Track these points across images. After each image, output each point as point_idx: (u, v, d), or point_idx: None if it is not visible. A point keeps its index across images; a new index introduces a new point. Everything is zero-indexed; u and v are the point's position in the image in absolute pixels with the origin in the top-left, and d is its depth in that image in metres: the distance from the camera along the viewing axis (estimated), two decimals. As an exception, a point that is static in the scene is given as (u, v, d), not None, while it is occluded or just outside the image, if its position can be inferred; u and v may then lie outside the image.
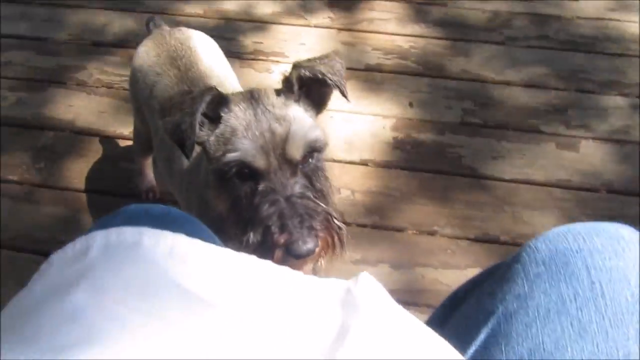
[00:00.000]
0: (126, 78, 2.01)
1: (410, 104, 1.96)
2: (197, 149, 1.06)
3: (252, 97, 0.85)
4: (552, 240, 0.59)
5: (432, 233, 1.62)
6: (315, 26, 2.26)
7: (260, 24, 2.26)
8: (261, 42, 2.18)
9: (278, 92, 0.87)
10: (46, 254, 1.54)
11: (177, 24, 2.20)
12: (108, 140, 1.85)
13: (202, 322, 0.42)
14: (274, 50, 2.15)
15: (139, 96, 1.27)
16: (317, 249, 0.79)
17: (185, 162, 1.08)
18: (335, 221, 0.83)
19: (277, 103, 0.85)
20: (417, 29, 2.25)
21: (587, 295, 0.52)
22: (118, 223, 0.56)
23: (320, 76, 0.84)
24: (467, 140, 1.85)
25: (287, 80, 0.87)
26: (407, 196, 1.70)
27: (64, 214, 1.65)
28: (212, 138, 0.85)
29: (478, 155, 1.81)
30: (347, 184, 1.72)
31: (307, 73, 0.85)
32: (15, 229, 1.62)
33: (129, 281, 0.43)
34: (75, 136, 1.86)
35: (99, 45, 2.17)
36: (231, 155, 0.81)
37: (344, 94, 0.86)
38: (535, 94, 2.01)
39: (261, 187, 0.81)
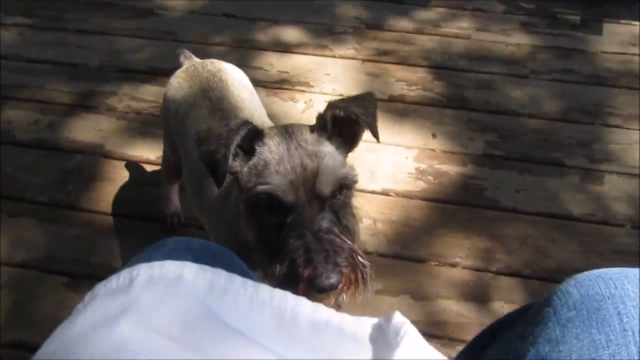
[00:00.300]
0: (155, 104, 2.07)
1: (433, 135, 1.97)
2: (227, 178, 1.09)
3: (287, 132, 0.88)
4: (584, 284, 0.59)
5: (454, 265, 1.61)
6: (340, 57, 2.30)
7: (286, 53, 2.31)
8: (287, 72, 2.22)
9: (312, 129, 0.90)
10: (72, 276, 1.56)
11: (205, 51, 2.26)
12: (135, 165, 1.89)
13: (242, 358, 0.43)
14: (300, 79, 2.19)
15: (171, 125, 1.30)
16: (340, 285, 0.80)
17: (215, 191, 1.10)
18: (360, 258, 0.84)
19: (310, 139, 0.87)
20: (440, 60, 2.28)
21: (620, 342, 0.52)
22: (160, 256, 0.58)
23: (354, 117, 0.87)
24: (490, 173, 1.85)
25: (321, 118, 0.89)
26: (429, 227, 1.70)
27: (91, 237, 1.68)
28: (244, 169, 0.87)
29: (501, 187, 1.81)
30: (369, 213, 1.73)
31: (342, 113, 0.87)
32: (42, 250, 1.65)
33: (172, 314, 0.45)
34: (104, 160, 1.90)
35: (129, 72, 2.23)
36: (262, 188, 0.83)
37: (375, 135, 0.88)
38: (559, 127, 2.01)
39: (289, 220, 0.82)
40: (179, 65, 1.47)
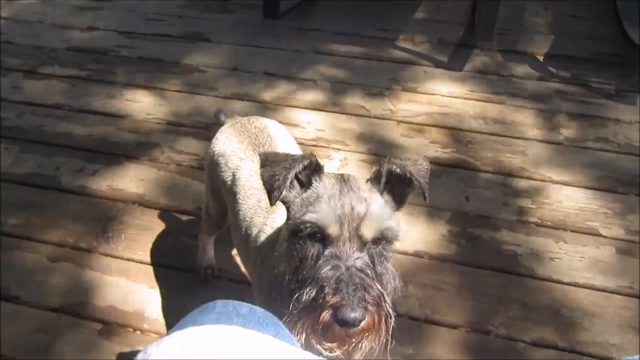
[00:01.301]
0: (194, 157, 2.14)
1: (467, 198, 1.98)
2: (272, 229, 1.13)
3: (342, 177, 0.93)
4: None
5: (486, 332, 1.59)
6: (375, 117, 2.36)
7: (323, 112, 2.38)
8: (323, 130, 2.29)
9: (365, 181, 0.95)
10: (106, 323, 1.59)
11: (245, 107, 2.35)
12: (173, 215, 1.94)
13: None
14: (336, 138, 2.24)
15: (219, 178, 1.35)
16: (362, 323, 0.82)
17: (261, 239, 1.15)
18: (387, 306, 0.86)
19: (362, 187, 0.92)
20: (475, 124, 2.31)
21: None
22: (209, 320, 0.60)
23: (408, 175, 0.91)
24: (524, 239, 1.84)
25: (376, 172, 0.94)
26: (462, 292, 1.69)
27: (126, 285, 1.72)
28: (297, 200, 0.93)
29: (535, 255, 1.79)
30: (401, 274, 1.73)
31: (398, 170, 0.92)
32: (79, 295, 1.69)
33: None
34: (143, 209, 1.96)
35: (171, 125, 2.33)
36: (309, 216, 0.88)
37: (424, 195, 0.93)
38: (594, 195, 2.00)
39: (327, 251, 0.86)
40: (220, 123, 1.53)
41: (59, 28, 3.02)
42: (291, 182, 0.93)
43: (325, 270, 0.84)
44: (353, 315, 0.80)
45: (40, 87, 2.57)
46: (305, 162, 0.91)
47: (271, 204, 0.92)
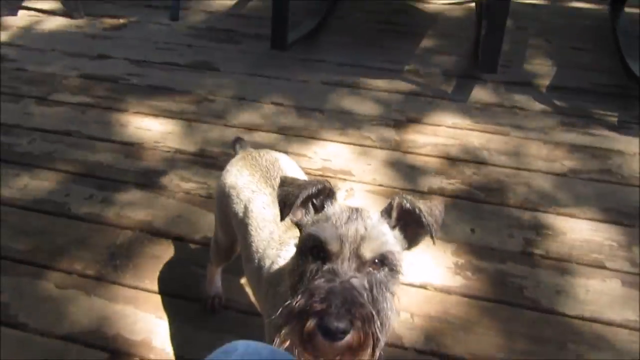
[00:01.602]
0: (203, 185, 2.17)
1: (472, 230, 2.00)
2: (284, 260, 1.15)
3: (355, 208, 0.95)
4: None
5: (492, 366, 1.58)
6: (381, 147, 2.39)
7: (329, 142, 2.42)
8: (329, 160, 2.31)
9: (377, 214, 0.97)
10: (113, 352, 1.61)
11: (252, 136, 2.38)
12: (181, 244, 1.96)
13: None
14: (342, 168, 2.27)
15: (230, 210, 1.37)
16: (347, 337, 0.81)
17: (274, 271, 1.17)
18: (376, 327, 0.84)
19: (372, 217, 0.94)
20: (479, 155, 2.34)
21: None
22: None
23: (417, 212, 0.92)
24: (530, 271, 1.85)
25: (388, 205, 0.96)
26: (467, 324, 1.69)
27: (133, 313, 1.73)
28: (309, 222, 0.97)
29: (541, 287, 1.80)
30: (406, 307, 1.74)
31: (408, 205, 0.94)
32: (86, 324, 1.70)
33: None
34: (151, 237, 1.98)
35: (180, 153, 2.36)
36: (313, 230, 0.92)
37: (432, 236, 0.93)
38: (599, 228, 2.01)
39: (326, 267, 0.88)
40: (234, 152, 1.56)
41: (70, 56, 3.08)
42: (305, 205, 0.98)
43: (319, 282, 0.85)
44: (336, 325, 0.79)
45: (51, 114, 2.62)
46: (320, 187, 0.96)
47: (281, 220, 0.96)
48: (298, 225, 0.99)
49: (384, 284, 0.91)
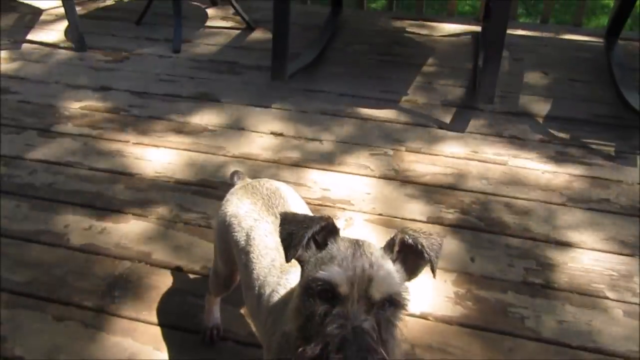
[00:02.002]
0: (202, 215, 2.17)
1: (472, 259, 1.99)
2: (285, 289, 1.15)
3: (357, 242, 0.96)
4: None
5: (495, 398, 1.56)
6: (380, 177, 2.40)
7: (328, 171, 2.43)
8: (328, 189, 2.32)
9: (379, 249, 0.98)
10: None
11: (251, 166, 2.40)
12: (180, 274, 1.95)
13: None
14: (341, 197, 2.28)
15: (231, 239, 1.37)
16: None
17: (274, 299, 1.17)
18: None
19: (375, 253, 0.94)
20: (478, 185, 2.35)
21: None
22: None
23: (419, 247, 0.94)
24: (530, 301, 1.84)
25: (390, 241, 0.97)
26: (469, 355, 1.67)
27: (130, 346, 1.71)
28: (312, 259, 0.96)
29: (542, 317, 1.79)
30: (407, 337, 1.72)
31: (410, 240, 0.95)
32: (83, 355, 1.68)
33: None
34: (150, 268, 1.97)
35: (180, 183, 2.37)
36: (322, 274, 0.90)
37: (433, 270, 0.95)
38: (599, 257, 2.01)
39: (335, 310, 0.88)
40: (232, 184, 1.57)
41: (73, 88, 3.12)
42: (308, 242, 0.97)
43: (332, 328, 0.86)
44: None
45: (53, 145, 2.64)
46: (322, 224, 0.96)
47: (287, 261, 0.95)
48: (299, 260, 0.99)
49: (391, 322, 0.92)
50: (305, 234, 0.93)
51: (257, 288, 1.24)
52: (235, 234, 1.36)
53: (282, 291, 1.17)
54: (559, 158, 2.52)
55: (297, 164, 2.48)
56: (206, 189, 2.33)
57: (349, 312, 0.87)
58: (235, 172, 1.62)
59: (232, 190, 1.49)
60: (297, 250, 0.93)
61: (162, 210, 2.22)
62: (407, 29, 3.72)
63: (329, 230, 0.97)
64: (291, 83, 3.10)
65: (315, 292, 0.91)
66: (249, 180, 1.55)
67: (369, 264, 0.91)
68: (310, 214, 1.45)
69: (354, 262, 0.91)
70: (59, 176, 2.42)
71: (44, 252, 2.04)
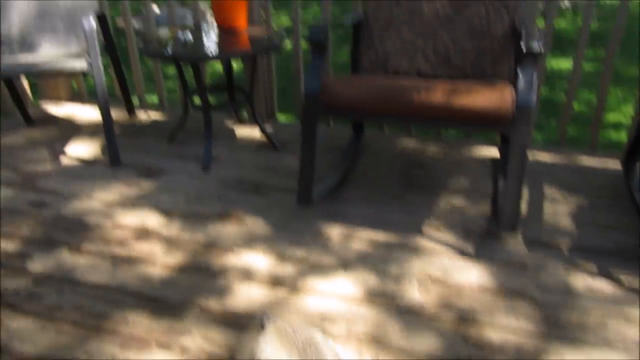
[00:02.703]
0: (227, 349, 2.15)
1: (502, 405, 1.92)
2: None
3: None
4: None
5: None
6: (404, 307, 2.38)
7: (349, 304, 2.42)
8: (354, 322, 2.30)
9: None
10: None
11: (277, 294, 2.39)
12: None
13: None
14: (367, 331, 2.25)
15: None
16: None
17: None
18: None
19: None
20: (504, 321, 2.31)
21: None
22: None
23: None
24: None
25: None
26: None
27: None
28: None
29: None
30: None
31: None
32: None
33: None
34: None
35: (205, 311, 2.37)
36: None
37: None
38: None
39: None
40: (262, 325, 1.58)
41: (105, 206, 3.23)
42: None
43: None
44: None
45: (82, 263, 2.69)
46: None
47: None
48: None
49: None
50: None
51: None
52: None
53: None
54: (586, 291, 2.48)
55: (316, 293, 2.48)
56: (230, 319, 2.33)
57: None
58: (266, 317, 1.63)
59: (267, 337, 1.49)
60: None
61: (185, 340, 2.21)
62: (426, 151, 3.85)
63: None
64: (316, 206, 3.18)
65: None
66: (281, 323, 1.55)
67: None
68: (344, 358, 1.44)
69: None
70: (86, 297, 2.45)
71: (65, 382, 2.02)
